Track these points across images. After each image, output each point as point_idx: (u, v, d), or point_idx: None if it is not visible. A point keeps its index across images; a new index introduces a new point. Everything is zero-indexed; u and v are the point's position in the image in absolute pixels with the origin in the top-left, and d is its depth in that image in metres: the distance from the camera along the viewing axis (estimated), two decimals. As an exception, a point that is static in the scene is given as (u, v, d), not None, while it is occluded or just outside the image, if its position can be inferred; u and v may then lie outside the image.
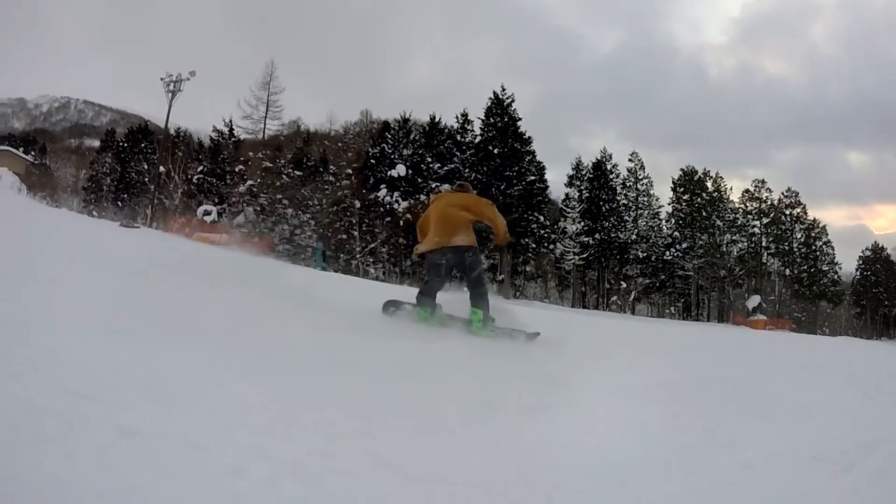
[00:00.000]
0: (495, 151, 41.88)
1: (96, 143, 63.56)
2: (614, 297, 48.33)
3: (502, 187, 40.21)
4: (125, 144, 53.36)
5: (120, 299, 3.89)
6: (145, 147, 50.65)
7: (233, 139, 45.59)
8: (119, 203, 47.93)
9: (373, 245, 42.79)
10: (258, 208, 42.88)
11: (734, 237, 48.70)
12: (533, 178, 42.20)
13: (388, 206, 41.31)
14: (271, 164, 43.79)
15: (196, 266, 6.79)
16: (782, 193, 50.70)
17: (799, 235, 49.68)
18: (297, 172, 44.12)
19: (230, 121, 45.90)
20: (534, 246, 43.09)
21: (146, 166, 46.61)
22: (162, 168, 40.68)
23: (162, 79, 37.58)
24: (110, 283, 4.53)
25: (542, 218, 42.41)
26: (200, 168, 43.51)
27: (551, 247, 46.37)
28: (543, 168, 44.60)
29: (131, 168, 50.33)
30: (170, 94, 37.55)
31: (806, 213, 50.29)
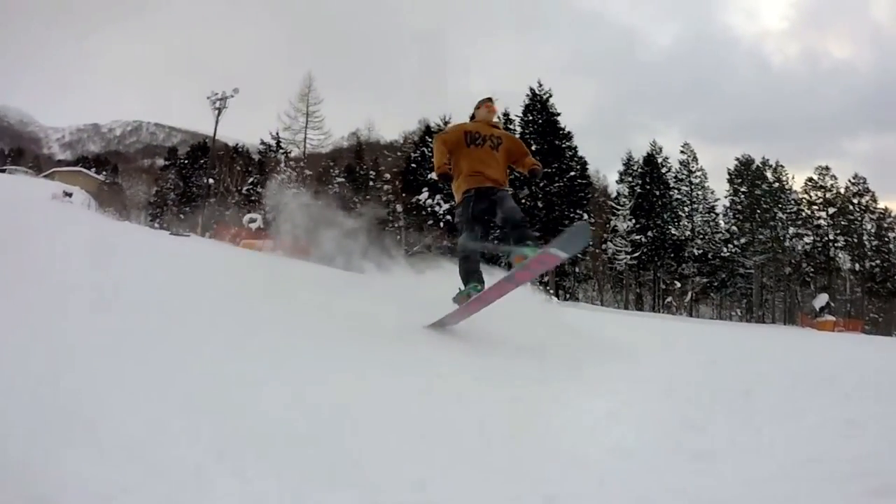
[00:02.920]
0: (534, 148, 41.04)
1: (166, 162, 67.26)
2: (669, 298, 46.09)
3: (542, 184, 39.38)
4: (186, 161, 56.31)
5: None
6: (204, 163, 53.20)
7: (280, 150, 47.04)
8: (181, 216, 50.67)
9: (417, 248, 42.88)
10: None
11: (798, 230, 45.16)
12: (574, 173, 41.07)
13: (429, 209, 41.37)
14: (311, 173, 44.99)
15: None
16: (849, 181, 46.30)
17: (869, 227, 45.22)
18: (340, 180, 45.09)
19: (277, 133, 47.33)
20: (580, 245, 41.77)
21: (205, 180, 48.87)
22: (212, 181, 42.51)
23: (208, 97, 39.60)
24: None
25: (585, 215, 41.13)
26: (251, 179, 45.19)
27: (603, 246, 44.89)
28: (586, 163, 43.33)
29: (192, 183, 53.02)
30: (216, 111, 39.53)
31: (876, 202, 45.73)
